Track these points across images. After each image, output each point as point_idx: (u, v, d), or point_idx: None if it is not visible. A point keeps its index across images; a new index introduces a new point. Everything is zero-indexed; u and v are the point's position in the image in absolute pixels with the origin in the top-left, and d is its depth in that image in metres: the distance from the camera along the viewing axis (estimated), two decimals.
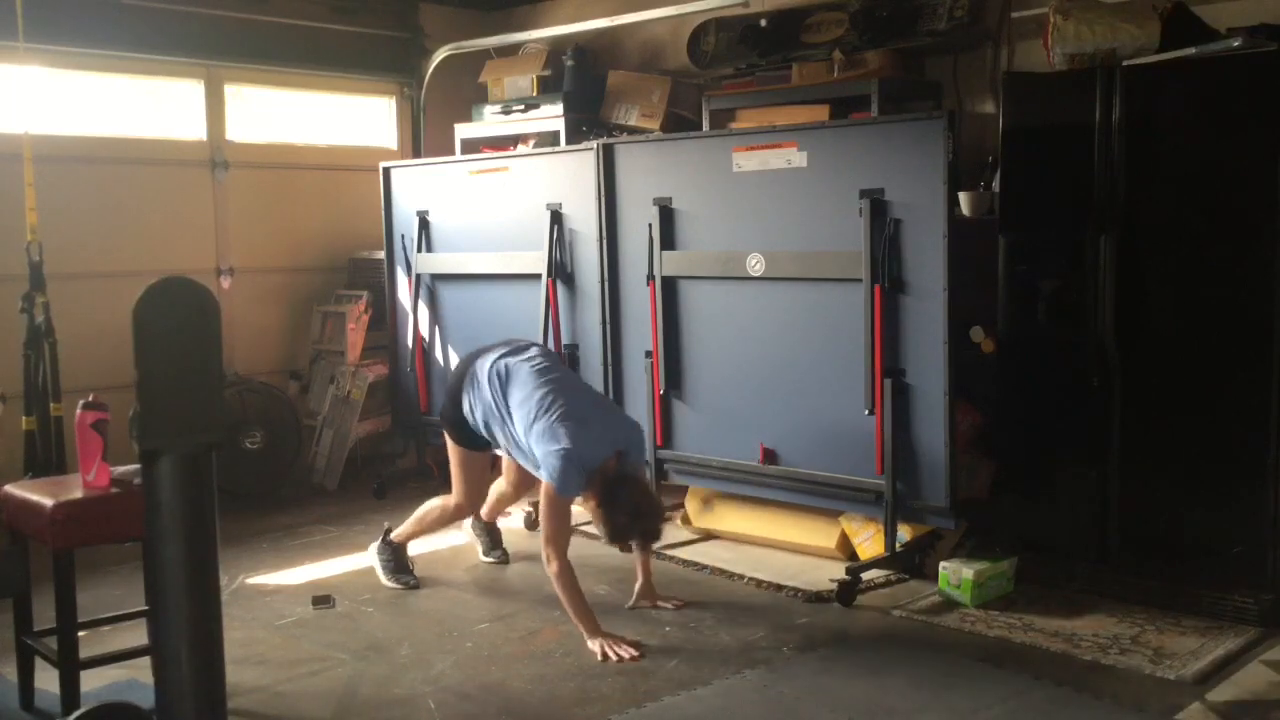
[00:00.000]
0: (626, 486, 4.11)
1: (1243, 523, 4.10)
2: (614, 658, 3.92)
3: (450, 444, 4.64)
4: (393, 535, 4.84)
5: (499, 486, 5.00)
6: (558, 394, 4.24)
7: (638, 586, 4.47)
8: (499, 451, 4.63)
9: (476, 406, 4.43)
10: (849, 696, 3.60)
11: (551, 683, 3.76)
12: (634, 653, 3.95)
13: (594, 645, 3.99)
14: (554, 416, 4.15)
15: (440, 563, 4.95)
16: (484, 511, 5.07)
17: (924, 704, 3.53)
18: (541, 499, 4.17)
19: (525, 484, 4.88)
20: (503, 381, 4.36)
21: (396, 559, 4.81)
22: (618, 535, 4.15)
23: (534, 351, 4.51)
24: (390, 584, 4.75)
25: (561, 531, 4.15)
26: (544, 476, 4.13)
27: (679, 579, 4.83)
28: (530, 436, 4.19)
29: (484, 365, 4.45)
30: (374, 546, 4.88)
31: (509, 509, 5.30)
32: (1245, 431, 4.07)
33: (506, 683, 3.78)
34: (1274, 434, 4.02)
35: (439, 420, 4.89)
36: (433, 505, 4.78)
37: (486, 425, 4.44)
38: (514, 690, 3.72)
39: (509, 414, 4.32)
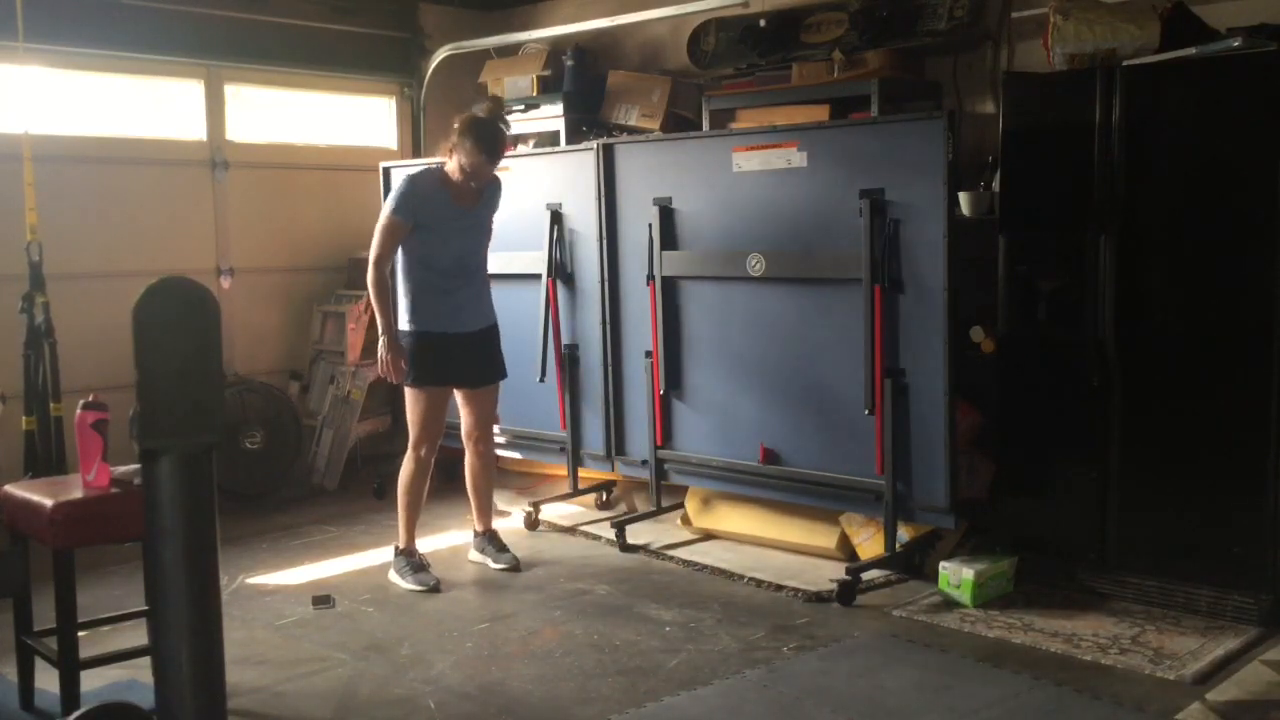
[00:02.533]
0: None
1: (1243, 523, 4.10)
2: (385, 362, 4.60)
3: (409, 391, 4.78)
4: (398, 544, 4.85)
5: (470, 469, 5.04)
6: None
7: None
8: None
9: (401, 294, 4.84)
10: (849, 696, 3.60)
11: (551, 683, 3.76)
12: (399, 373, 4.62)
13: (381, 346, 4.61)
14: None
15: (440, 563, 4.95)
16: (477, 522, 5.07)
17: (924, 704, 3.53)
18: (377, 227, 4.65)
19: (480, 420, 4.98)
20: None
21: (411, 562, 4.80)
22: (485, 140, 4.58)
23: None
24: (412, 586, 4.73)
25: (383, 250, 4.62)
26: (384, 207, 4.70)
27: (679, 579, 4.83)
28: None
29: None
30: (390, 569, 4.86)
31: (502, 508, 5.27)
32: (1245, 431, 4.07)
33: (506, 683, 3.78)
34: (1274, 434, 4.02)
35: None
36: (400, 481, 4.83)
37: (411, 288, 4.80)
38: (514, 690, 3.72)
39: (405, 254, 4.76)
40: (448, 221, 4.67)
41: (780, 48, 5.62)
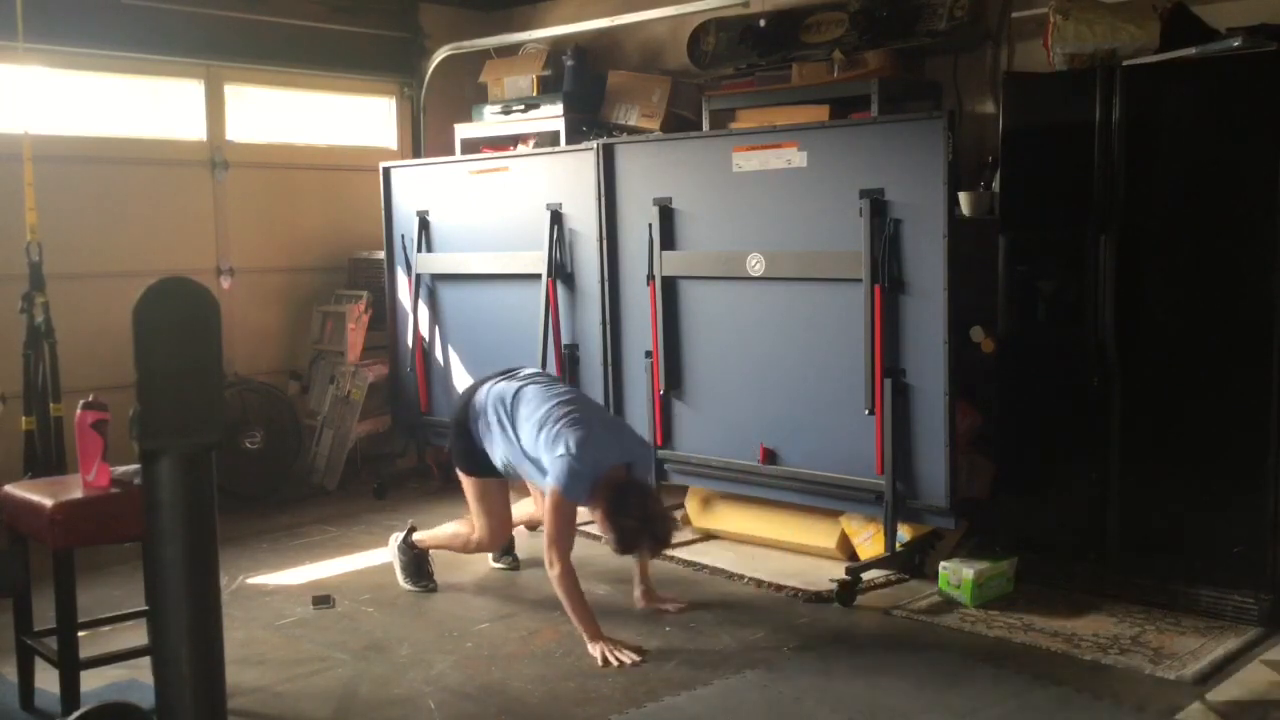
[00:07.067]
0: (635, 493, 4.10)
1: (1243, 523, 4.10)
2: (614, 662, 3.90)
3: (465, 478, 4.59)
4: (415, 538, 4.78)
5: (526, 507, 4.95)
6: (564, 405, 4.28)
7: (637, 592, 4.47)
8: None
9: (484, 433, 4.45)
10: (849, 696, 3.60)
11: (551, 683, 3.76)
12: (635, 657, 3.93)
13: (595, 650, 3.97)
14: (561, 425, 4.17)
15: (441, 563, 4.94)
16: (520, 519, 5.04)
17: (924, 704, 3.53)
18: (546, 501, 4.16)
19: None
20: (506, 403, 4.39)
21: (416, 564, 4.77)
22: (627, 541, 4.11)
23: (530, 371, 4.63)
24: (409, 587, 4.73)
25: (565, 534, 4.13)
26: (550, 480, 4.12)
27: (679, 579, 4.83)
28: (538, 446, 4.21)
29: (484, 392, 4.50)
30: (396, 541, 4.81)
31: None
32: (1245, 431, 4.07)
33: (506, 683, 3.78)
34: (1274, 434, 4.02)
35: (451, 459, 4.78)
36: (460, 531, 4.71)
37: (493, 447, 4.44)
38: (514, 690, 3.72)
39: (516, 431, 4.34)
40: None
41: (780, 48, 5.62)
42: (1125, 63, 4.26)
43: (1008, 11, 5.19)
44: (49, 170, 5.31)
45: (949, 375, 4.37)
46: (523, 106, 6.55)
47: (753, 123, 5.43)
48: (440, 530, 4.79)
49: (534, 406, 4.31)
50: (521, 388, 4.43)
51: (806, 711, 3.52)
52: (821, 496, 4.85)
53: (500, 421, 4.38)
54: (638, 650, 3.97)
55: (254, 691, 3.75)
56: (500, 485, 4.58)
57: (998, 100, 4.91)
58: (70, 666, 3.41)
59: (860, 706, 3.53)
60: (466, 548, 4.71)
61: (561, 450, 4.09)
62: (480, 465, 4.51)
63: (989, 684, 3.66)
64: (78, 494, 3.46)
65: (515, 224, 5.82)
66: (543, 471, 4.21)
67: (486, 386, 4.53)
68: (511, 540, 5.07)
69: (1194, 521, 4.20)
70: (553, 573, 4.10)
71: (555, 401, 4.30)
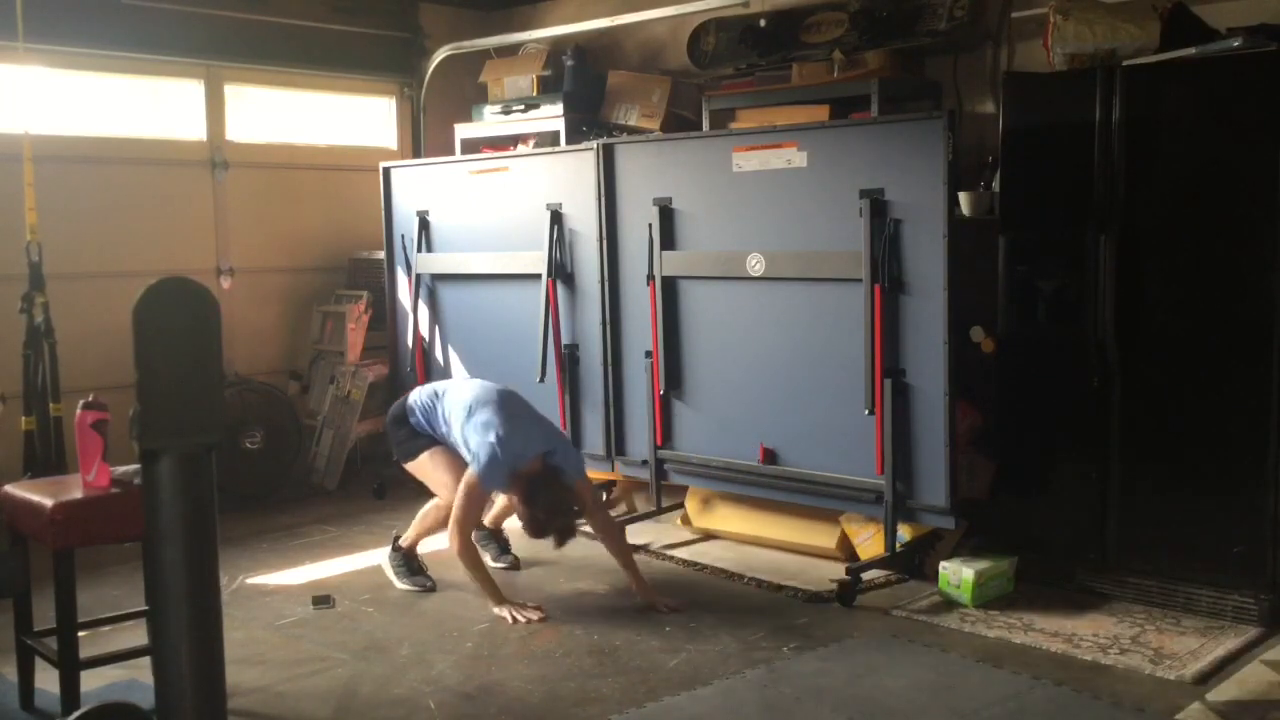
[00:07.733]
0: (545, 487, 4.35)
1: (1243, 523, 4.10)
2: (522, 619, 4.29)
3: (411, 466, 4.85)
4: (401, 541, 4.85)
5: (502, 499, 5.03)
6: (490, 394, 4.63)
7: (634, 587, 4.50)
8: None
9: (420, 423, 4.78)
10: (849, 696, 3.60)
11: (551, 683, 3.76)
12: (536, 614, 4.33)
13: (501, 612, 4.35)
14: (490, 413, 4.50)
15: (440, 563, 4.94)
16: (488, 519, 5.07)
17: (924, 704, 3.53)
18: (461, 485, 4.42)
19: None
20: (437, 396, 4.77)
21: (408, 564, 4.81)
22: (535, 529, 4.36)
23: (465, 376, 5.01)
24: (406, 587, 4.75)
25: (470, 518, 4.44)
26: (471, 467, 4.40)
27: (679, 579, 4.83)
28: (465, 430, 4.53)
29: (416, 390, 4.90)
30: (385, 555, 4.89)
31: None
32: (1245, 431, 4.07)
33: (506, 683, 3.78)
34: (1274, 434, 4.02)
35: (394, 455, 5.02)
36: (428, 507, 4.81)
37: (431, 426, 4.76)
38: (514, 690, 3.72)
39: (446, 416, 4.67)
40: None
41: (780, 48, 5.62)
42: (1125, 63, 4.26)
43: (1008, 11, 5.19)
44: (49, 170, 5.31)
45: (949, 375, 4.37)
46: (523, 106, 6.55)
47: (753, 123, 5.43)
48: (416, 522, 4.83)
49: (462, 393, 4.67)
50: (452, 382, 4.88)
51: (806, 711, 3.52)
52: (821, 496, 4.85)
53: (431, 407, 4.72)
54: (537, 609, 4.37)
55: (254, 691, 3.75)
56: (443, 450, 4.75)
57: (998, 100, 4.91)
58: (70, 666, 3.41)
59: (860, 706, 3.53)
60: (440, 520, 4.76)
61: (492, 438, 4.38)
62: (419, 443, 4.76)
63: (989, 684, 3.66)
64: (78, 494, 3.46)
65: (515, 224, 5.82)
66: (470, 452, 4.48)
67: (419, 388, 4.95)
68: (506, 540, 5.09)
69: (1194, 521, 4.20)
70: (453, 549, 4.41)
71: (484, 390, 4.66)
